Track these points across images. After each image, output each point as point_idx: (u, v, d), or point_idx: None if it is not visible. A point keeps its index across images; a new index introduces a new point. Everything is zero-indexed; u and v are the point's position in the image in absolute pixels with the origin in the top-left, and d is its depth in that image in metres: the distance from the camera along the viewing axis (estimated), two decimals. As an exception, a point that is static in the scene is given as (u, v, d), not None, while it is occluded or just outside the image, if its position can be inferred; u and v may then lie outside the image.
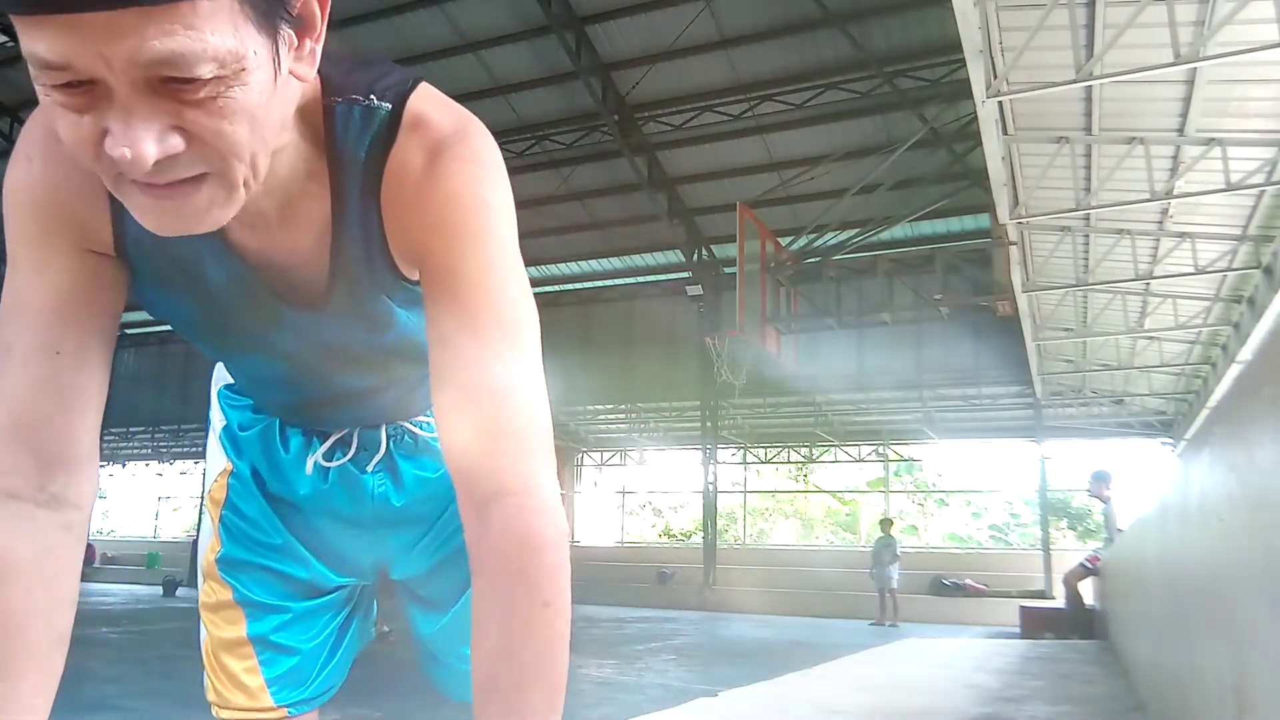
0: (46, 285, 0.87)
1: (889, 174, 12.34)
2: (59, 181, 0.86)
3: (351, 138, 0.86)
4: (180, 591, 17.43)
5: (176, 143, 0.67)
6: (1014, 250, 9.76)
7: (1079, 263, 10.31)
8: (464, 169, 0.85)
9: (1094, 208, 8.49)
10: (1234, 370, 11.32)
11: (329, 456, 1.18)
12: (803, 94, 13.15)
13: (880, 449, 20.74)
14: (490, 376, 0.83)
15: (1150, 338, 12.04)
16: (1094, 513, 17.68)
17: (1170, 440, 16.44)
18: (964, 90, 8.33)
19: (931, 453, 21.73)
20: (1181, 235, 9.15)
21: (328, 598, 1.25)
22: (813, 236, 13.68)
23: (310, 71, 0.76)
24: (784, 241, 13.52)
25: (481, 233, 0.86)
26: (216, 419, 1.29)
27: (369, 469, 1.18)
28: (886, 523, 15.37)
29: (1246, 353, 10.64)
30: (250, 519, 1.22)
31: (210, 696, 1.20)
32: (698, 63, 13.00)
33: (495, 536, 0.80)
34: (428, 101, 0.88)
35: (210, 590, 1.22)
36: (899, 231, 14.32)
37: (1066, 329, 12.15)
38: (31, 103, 15.61)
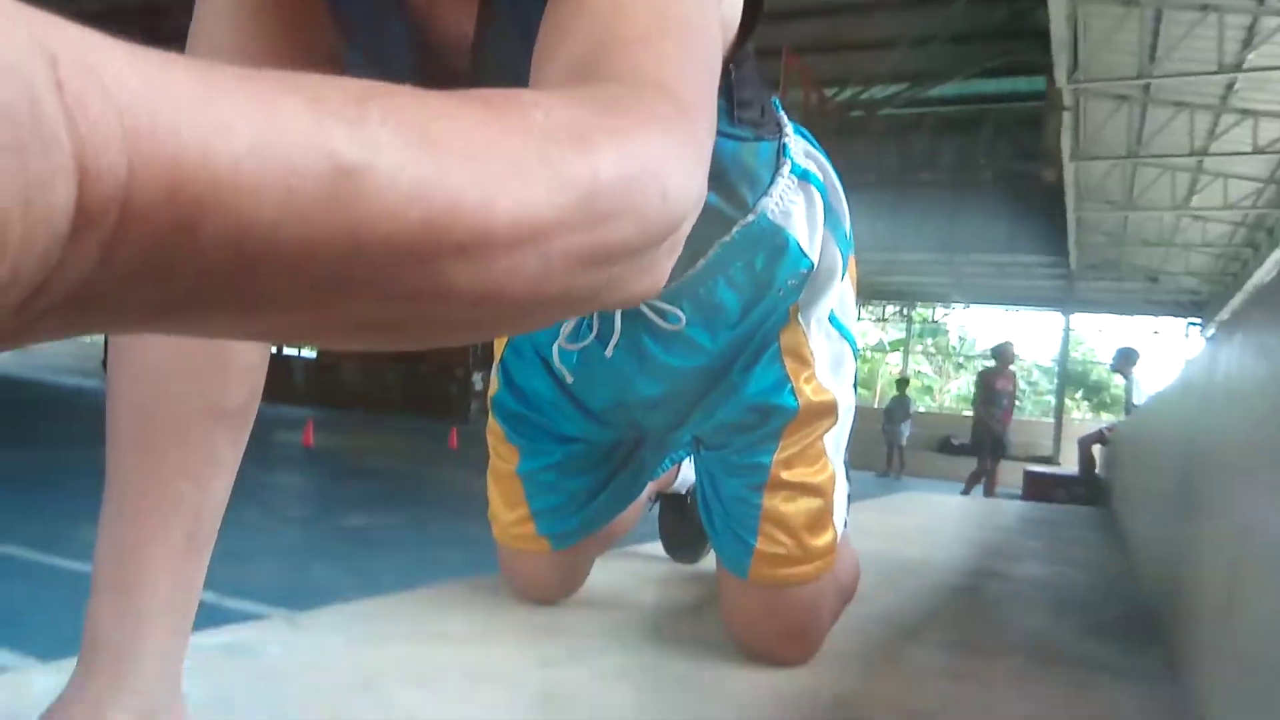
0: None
1: (946, 26, 11.80)
2: None
3: None
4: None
5: None
6: (1067, 116, 9.45)
7: (1132, 134, 9.99)
8: None
9: (1156, 77, 8.16)
10: (1278, 254, 11.13)
11: (573, 339, 1.12)
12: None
13: (905, 309, 20.70)
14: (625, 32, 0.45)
15: (1196, 216, 11.78)
16: (1114, 385, 17.73)
17: (1198, 320, 16.31)
18: (1036, -60, 7.88)
19: (955, 319, 21.70)
20: (1244, 112, 8.82)
21: (594, 447, 1.25)
22: (859, 89, 13.23)
23: None
24: (829, 92, 13.07)
25: None
26: None
27: (608, 353, 1.09)
28: (903, 382, 15.51)
29: (1292, 238, 10.44)
30: (528, 366, 1.22)
31: (489, 513, 1.28)
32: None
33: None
34: None
35: (492, 424, 1.27)
36: (949, 90, 13.82)
37: (1110, 201, 11.88)
38: None
